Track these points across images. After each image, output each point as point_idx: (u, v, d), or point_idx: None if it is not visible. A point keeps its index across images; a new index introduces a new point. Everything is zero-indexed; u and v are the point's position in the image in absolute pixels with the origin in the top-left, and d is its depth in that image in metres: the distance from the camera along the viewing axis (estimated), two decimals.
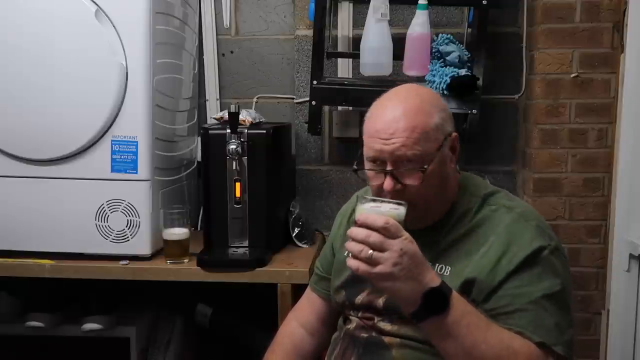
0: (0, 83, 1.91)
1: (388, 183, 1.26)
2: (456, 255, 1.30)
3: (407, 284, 1.12)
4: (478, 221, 1.32)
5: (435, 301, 1.14)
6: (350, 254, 1.15)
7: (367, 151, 1.29)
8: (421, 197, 1.27)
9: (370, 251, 1.11)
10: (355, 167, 1.32)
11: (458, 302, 1.17)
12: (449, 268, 1.30)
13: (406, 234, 1.14)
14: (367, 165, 1.30)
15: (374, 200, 1.20)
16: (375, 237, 1.11)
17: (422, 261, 1.15)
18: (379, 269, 1.11)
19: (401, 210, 1.18)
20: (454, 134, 1.31)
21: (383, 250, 1.11)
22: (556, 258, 1.28)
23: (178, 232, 1.97)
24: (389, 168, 1.26)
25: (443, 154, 1.28)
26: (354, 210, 1.50)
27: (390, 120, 1.26)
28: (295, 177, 2.41)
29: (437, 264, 1.31)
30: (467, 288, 1.25)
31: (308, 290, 1.63)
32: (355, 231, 1.13)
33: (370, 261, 1.11)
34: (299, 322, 1.60)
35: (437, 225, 1.34)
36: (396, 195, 1.26)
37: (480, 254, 1.28)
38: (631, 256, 2.07)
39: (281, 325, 1.64)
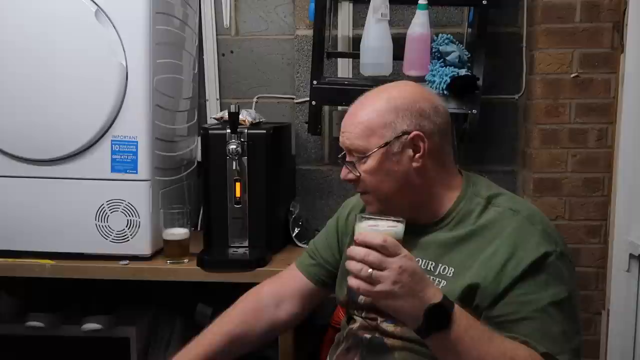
0: (1, 83, 1.91)
1: (342, 171, 1.36)
2: (460, 256, 1.30)
3: (408, 302, 1.12)
4: (483, 223, 1.31)
5: (438, 317, 1.13)
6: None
7: None
8: (372, 189, 1.33)
9: (370, 270, 1.10)
10: (339, 156, 1.40)
11: (460, 317, 1.15)
12: (452, 269, 1.30)
13: (405, 252, 1.13)
14: None
15: (372, 219, 1.20)
16: (373, 256, 1.11)
17: (422, 277, 1.14)
18: (379, 287, 1.10)
19: (399, 228, 1.18)
20: (415, 133, 1.29)
21: (382, 268, 1.10)
22: (562, 263, 1.27)
23: (178, 232, 1.97)
24: (345, 158, 1.36)
25: (391, 151, 1.29)
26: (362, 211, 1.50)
27: (349, 113, 1.35)
28: (295, 177, 2.41)
29: (440, 264, 1.31)
30: (470, 293, 1.25)
31: (293, 267, 1.60)
32: (354, 250, 1.13)
33: (371, 280, 1.11)
34: (270, 290, 1.58)
35: (440, 223, 1.35)
36: (355, 184, 1.35)
37: (485, 257, 1.27)
38: (631, 256, 2.07)
39: (254, 287, 1.61)
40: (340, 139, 1.35)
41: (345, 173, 1.35)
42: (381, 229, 1.17)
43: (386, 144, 1.29)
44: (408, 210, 1.32)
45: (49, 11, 1.88)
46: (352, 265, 1.12)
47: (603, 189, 2.19)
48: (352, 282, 1.12)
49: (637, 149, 2.05)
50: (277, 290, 1.57)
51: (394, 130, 1.29)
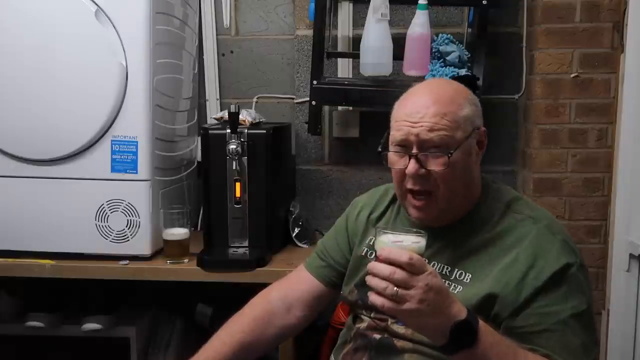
0: (1, 84, 1.91)
1: (412, 166, 1.26)
2: (477, 262, 1.29)
3: (434, 319, 1.10)
4: (502, 229, 1.30)
5: (464, 334, 1.12)
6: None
7: (395, 135, 1.29)
8: (445, 186, 1.27)
9: (396, 288, 1.07)
10: (380, 149, 1.32)
11: (486, 333, 1.14)
12: (470, 275, 1.28)
13: (430, 268, 1.11)
14: (393, 149, 1.30)
15: (393, 233, 1.16)
16: (399, 274, 1.07)
17: (447, 294, 1.13)
18: (406, 306, 1.08)
19: (422, 243, 1.15)
20: (483, 128, 1.31)
21: (408, 287, 1.08)
22: (582, 275, 1.27)
23: (178, 232, 1.98)
24: (414, 151, 1.26)
25: (470, 144, 1.28)
26: (382, 214, 1.48)
27: (420, 105, 1.27)
28: (295, 177, 2.41)
29: (457, 269, 1.29)
30: (488, 302, 1.24)
31: (301, 269, 1.58)
32: (378, 267, 1.09)
33: (396, 298, 1.08)
34: (279, 294, 1.55)
35: (458, 226, 1.33)
36: (420, 181, 1.27)
37: (504, 265, 1.26)
38: (631, 256, 2.07)
39: (262, 291, 1.58)
40: (413, 130, 1.25)
41: (416, 168, 1.26)
42: (405, 244, 1.13)
43: (467, 137, 1.27)
44: (452, 212, 1.32)
45: (49, 11, 1.88)
46: (375, 282, 1.09)
47: (603, 189, 2.19)
48: (377, 300, 1.09)
49: (637, 149, 2.05)
50: (286, 294, 1.54)
51: (472, 123, 1.28)
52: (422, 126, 1.25)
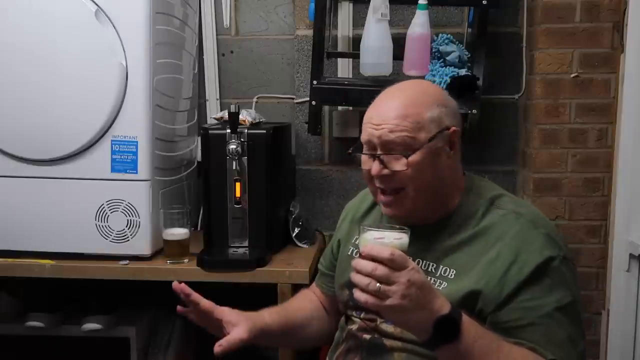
0: (1, 83, 1.91)
1: (375, 167, 1.30)
2: (461, 257, 1.30)
3: (417, 314, 1.11)
4: (485, 225, 1.31)
5: (447, 329, 1.13)
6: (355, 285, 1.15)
7: (362, 136, 1.34)
8: (411, 186, 1.29)
9: (378, 284, 1.09)
10: (350, 150, 1.37)
11: (469, 327, 1.15)
12: (454, 271, 1.29)
13: (412, 264, 1.12)
14: (364, 150, 1.34)
15: (376, 230, 1.18)
16: (381, 270, 1.09)
17: (430, 289, 1.13)
18: (388, 302, 1.09)
19: (404, 239, 1.16)
20: (454, 128, 1.31)
21: (390, 283, 1.09)
22: (566, 268, 1.27)
23: (178, 232, 1.98)
24: (378, 152, 1.30)
25: (436, 146, 1.29)
26: (366, 213, 1.50)
27: (384, 107, 1.31)
28: (295, 177, 2.41)
29: (442, 265, 1.30)
30: (472, 298, 1.24)
31: (313, 286, 1.67)
32: (360, 264, 1.11)
33: (379, 294, 1.09)
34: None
35: (442, 223, 1.34)
36: (386, 180, 1.30)
37: (487, 260, 1.27)
38: (631, 256, 2.07)
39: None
40: (375, 132, 1.29)
41: (379, 169, 1.29)
42: (387, 241, 1.15)
43: (432, 138, 1.28)
44: (430, 211, 1.33)
45: (49, 11, 1.88)
46: (358, 278, 1.10)
47: (603, 189, 2.19)
48: (360, 296, 1.10)
49: (637, 149, 2.05)
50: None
51: (439, 124, 1.29)
52: (383, 128, 1.28)
